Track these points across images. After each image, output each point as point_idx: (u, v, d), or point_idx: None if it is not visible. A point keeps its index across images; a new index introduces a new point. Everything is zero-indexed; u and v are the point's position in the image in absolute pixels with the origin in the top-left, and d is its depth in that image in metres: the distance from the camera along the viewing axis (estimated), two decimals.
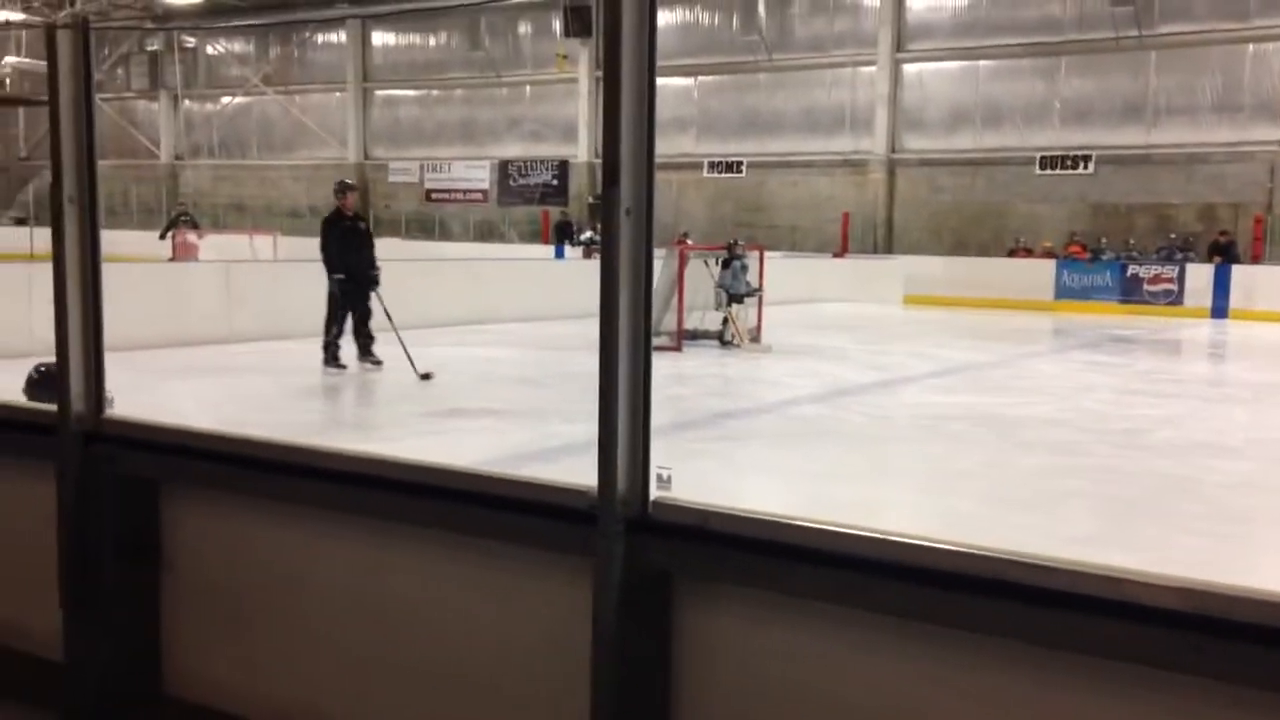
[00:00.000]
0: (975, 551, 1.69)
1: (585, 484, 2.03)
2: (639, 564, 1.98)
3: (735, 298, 13.94)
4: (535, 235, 30.22)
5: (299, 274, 14.46)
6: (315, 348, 10.58)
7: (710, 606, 2.02)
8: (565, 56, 29.78)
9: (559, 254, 26.04)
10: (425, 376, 9.87)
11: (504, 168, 31.58)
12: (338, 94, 34.44)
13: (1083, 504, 6.36)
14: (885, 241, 26.49)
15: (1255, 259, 21.86)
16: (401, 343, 10.14)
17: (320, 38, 34.83)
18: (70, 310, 2.72)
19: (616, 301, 1.96)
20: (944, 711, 1.79)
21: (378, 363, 10.51)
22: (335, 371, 10.48)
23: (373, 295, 10.52)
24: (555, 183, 30.80)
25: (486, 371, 10.21)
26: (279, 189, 35.14)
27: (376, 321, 10.55)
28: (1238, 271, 21.11)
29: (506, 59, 31.69)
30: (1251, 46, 22.83)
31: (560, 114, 30.85)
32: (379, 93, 34.26)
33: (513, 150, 31.72)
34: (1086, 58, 24.43)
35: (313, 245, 10.93)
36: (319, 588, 2.56)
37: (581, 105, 29.92)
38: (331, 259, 10.40)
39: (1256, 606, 1.48)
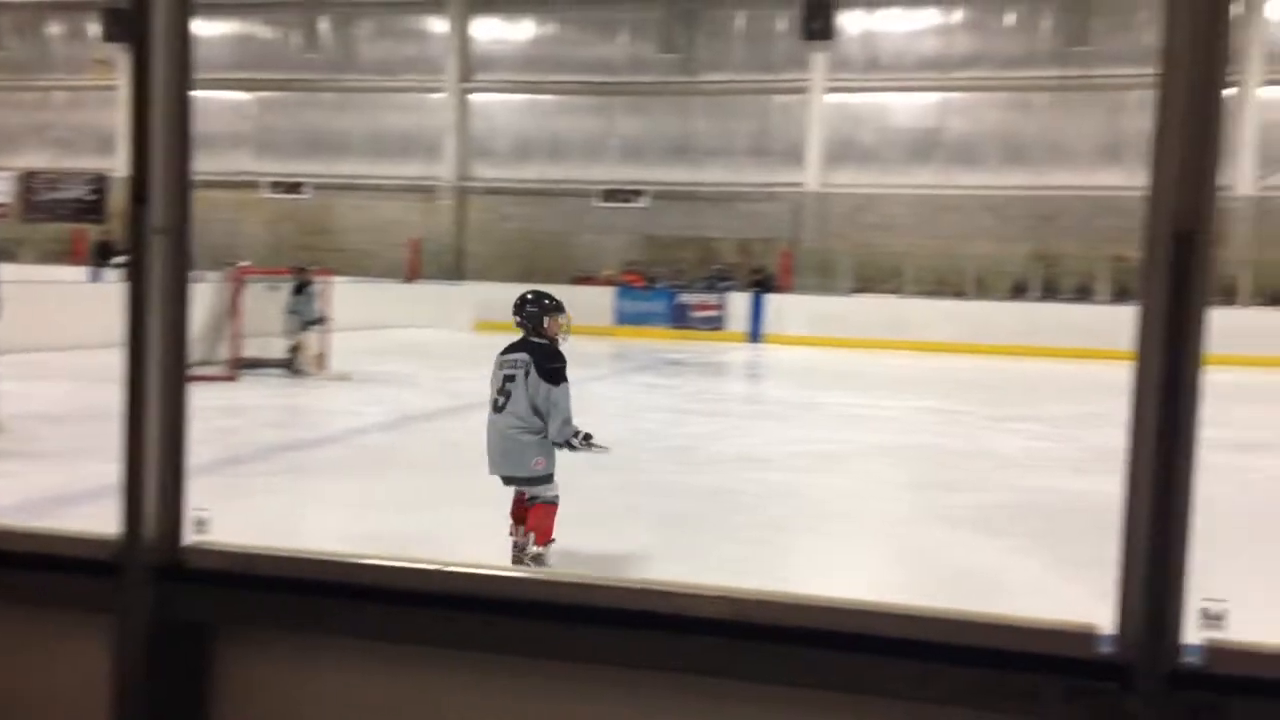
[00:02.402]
0: (526, 576, 1.68)
1: (107, 532, 1.81)
2: (170, 616, 1.79)
3: (308, 324, 13.44)
4: (62, 255, 27.28)
5: None
6: None
7: (255, 655, 1.86)
8: (103, 61, 27.30)
9: (95, 276, 23.70)
10: None
11: (28, 179, 28.31)
12: None
13: (643, 519, 6.72)
14: (456, 267, 26.76)
15: (784, 288, 24.50)
16: None
17: None
18: None
19: (145, 329, 1.78)
20: None
21: None
22: None
23: None
24: (93, 198, 28.07)
25: (7, 410, 9.01)
26: None
27: None
28: (771, 300, 23.55)
29: (32, 60, 28.53)
30: (777, 98, 25.62)
31: (97, 123, 28.20)
32: None
33: (39, 160, 28.54)
34: (639, 99, 26.22)
35: None
36: None
37: (122, 115, 27.52)
38: None
39: (782, 609, 1.59)
